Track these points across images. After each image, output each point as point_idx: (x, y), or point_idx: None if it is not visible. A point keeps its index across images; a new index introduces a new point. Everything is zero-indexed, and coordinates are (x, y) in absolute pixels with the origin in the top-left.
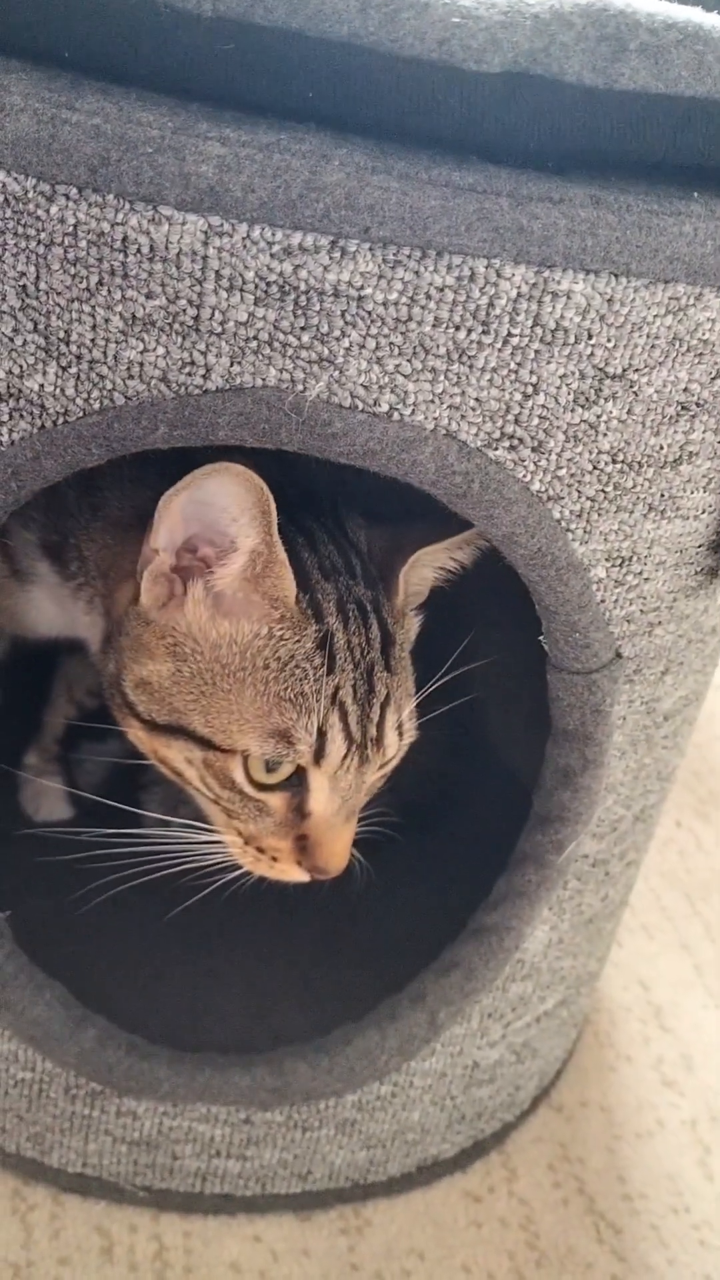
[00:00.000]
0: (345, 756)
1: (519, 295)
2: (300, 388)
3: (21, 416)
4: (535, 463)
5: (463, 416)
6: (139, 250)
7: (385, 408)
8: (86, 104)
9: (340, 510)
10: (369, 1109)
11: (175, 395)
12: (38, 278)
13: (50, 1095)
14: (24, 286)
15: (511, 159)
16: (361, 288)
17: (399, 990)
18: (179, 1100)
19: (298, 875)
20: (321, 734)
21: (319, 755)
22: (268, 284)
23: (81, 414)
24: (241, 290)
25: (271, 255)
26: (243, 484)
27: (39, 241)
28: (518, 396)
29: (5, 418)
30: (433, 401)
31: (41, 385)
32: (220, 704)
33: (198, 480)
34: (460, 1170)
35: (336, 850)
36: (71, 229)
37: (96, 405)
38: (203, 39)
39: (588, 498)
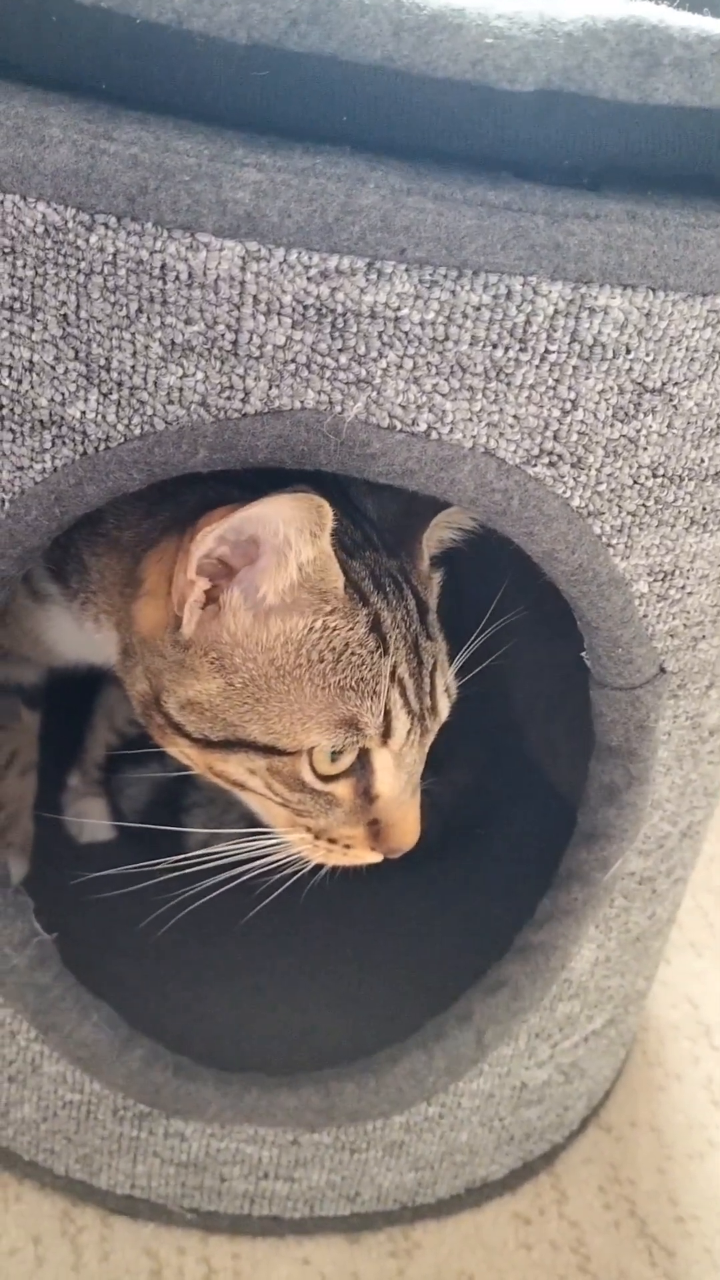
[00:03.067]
0: (409, 731)
1: (556, 312)
2: (338, 409)
3: (64, 443)
4: (575, 479)
5: (501, 434)
6: (178, 277)
7: (423, 427)
8: (124, 134)
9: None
10: (417, 1130)
11: (215, 419)
12: (78, 306)
13: (98, 1117)
14: (65, 315)
15: (547, 176)
16: (398, 309)
17: (445, 1010)
18: (226, 1121)
19: (372, 858)
20: (387, 713)
21: (386, 735)
22: (305, 307)
23: (123, 440)
24: (279, 314)
25: (308, 279)
26: (294, 506)
27: (79, 270)
28: (556, 413)
29: (48, 445)
30: (471, 420)
31: (83, 412)
32: (278, 707)
33: (244, 512)
34: (509, 1192)
35: (409, 827)
36: (111, 257)
37: (137, 431)
38: (238, 67)
39: (628, 513)
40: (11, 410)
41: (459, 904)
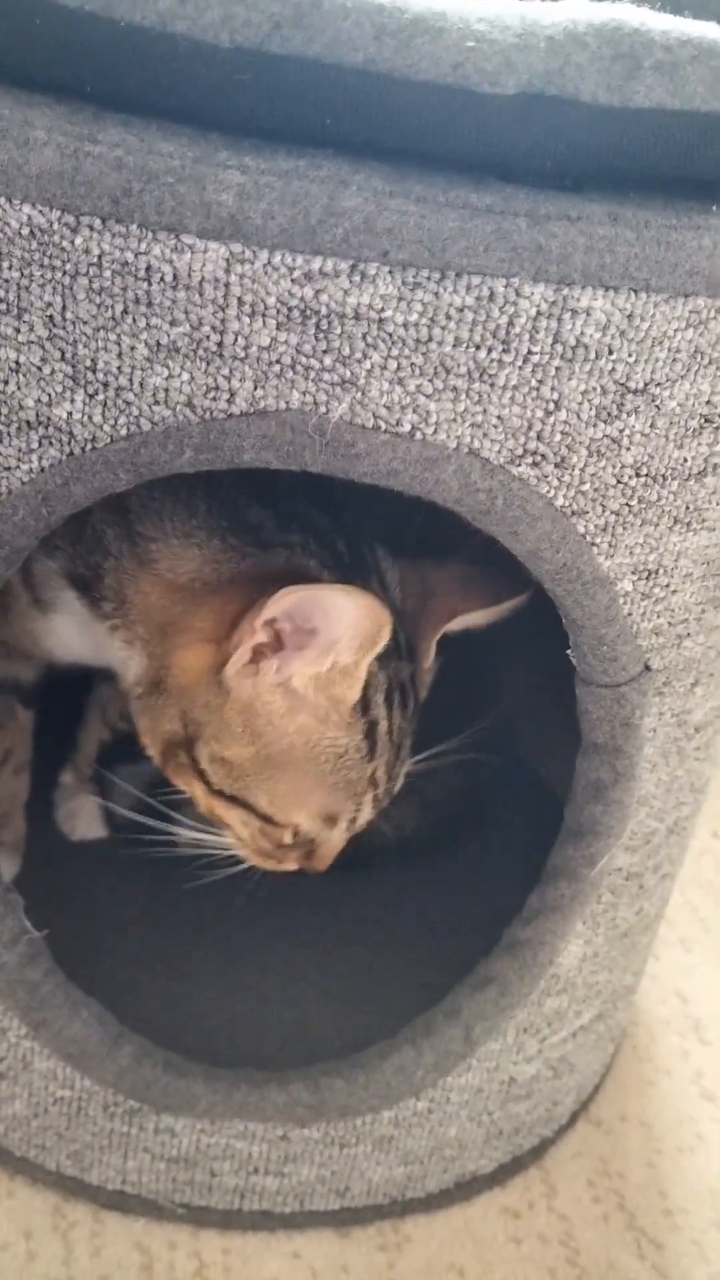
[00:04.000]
0: (371, 813)
1: (539, 313)
2: (323, 410)
3: (50, 444)
4: (559, 478)
5: (485, 434)
6: (163, 279)
7: (408, 428)
8: (108, 136)
9: (383, 566)
10: (406, 1125)
11: (200, 420)
12: (64, 308)
13: (89, 1113)
14: (51, 317)
15: (528, 179)
16: (382, 310)
17: (434, 1005)
18: (216, 1117)
19: (291, 869)
20: (358, 809)
21: (351, 824)
22: (289, 309)
23: (109, 440)
24: (264, 315)
25: (292, 280)
26: (364, 612)
27: (64, 272)
28: (540, 413)
29: (35, 445)
30: (455, 420)
31: (69, 413)
32: (284, 787)
33: (326, 592)
34: (499, 1186)
35: (329, 861)
36: (96, 259)
37: (124, 431)
38: (221, 70)
39: (612, 512)
40: None
41: (448, 900)
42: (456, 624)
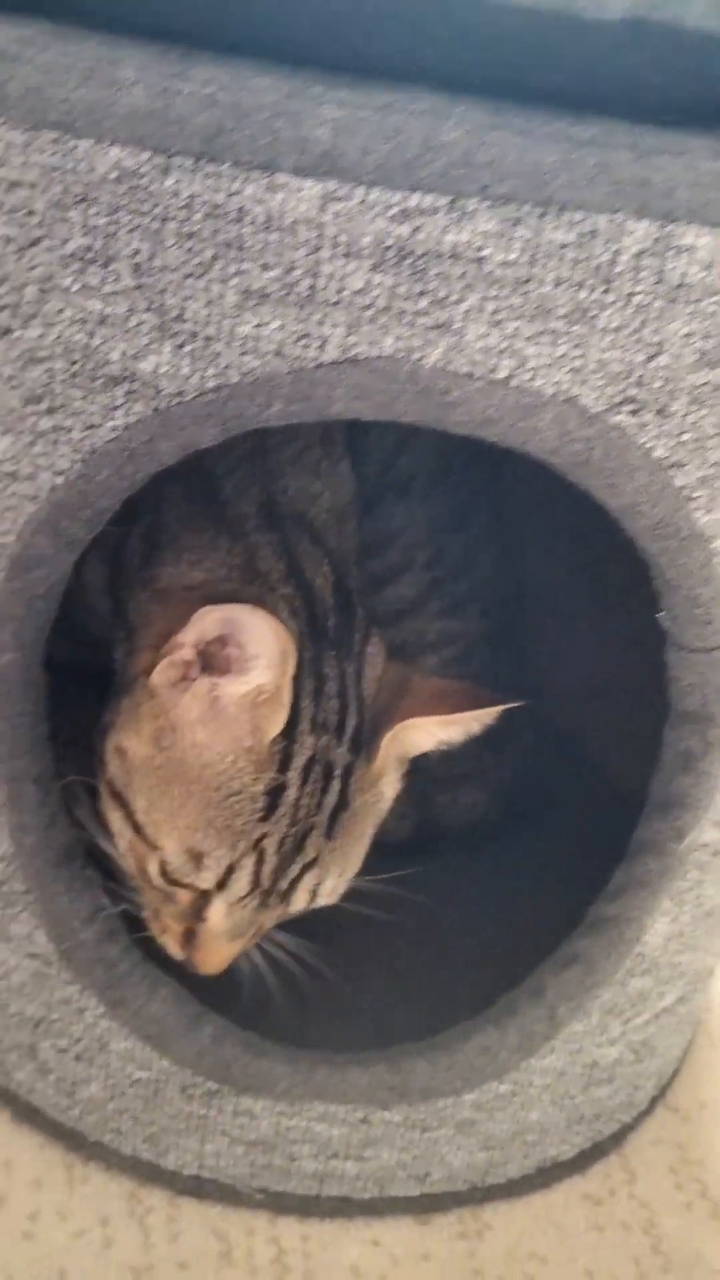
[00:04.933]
0: (245, 897)
1: (642, 251)
2: (417, 356)
3: (136, 399)
4: (658, 428)
5: (584, 380)
6: (254, 220)
7: (504, 373)
8: (200, 74)
9: (368, 652)
10: (488, 1108)
11: (290, 369)
12: (152, 255)
13: (166, 1095)
14: (138, 265)
15: (630, 111)
16: (480, 248)
17: (512, 986)
18: (296, 1099)
19: (176, 955)
20: (230, 870)
21: (221, 886)
22: (385, 249)
23: (197, 393)
24: (358, 257)
25: (389, 218)
26: (272, 632)
27: (153, 217)
28: (640, 358)
29: (120, 401)
30: (552, 365)
31: (156, 365)
32: (163, 803)
33: (237, 611)
34: (579, 1172)
35: (213, 960)
36: (186, 202)
37: (211, 384)
38: (317, 2)
39: (712, 464)
40: (82, 366)
41: (518, 881)
42: (417, 735)
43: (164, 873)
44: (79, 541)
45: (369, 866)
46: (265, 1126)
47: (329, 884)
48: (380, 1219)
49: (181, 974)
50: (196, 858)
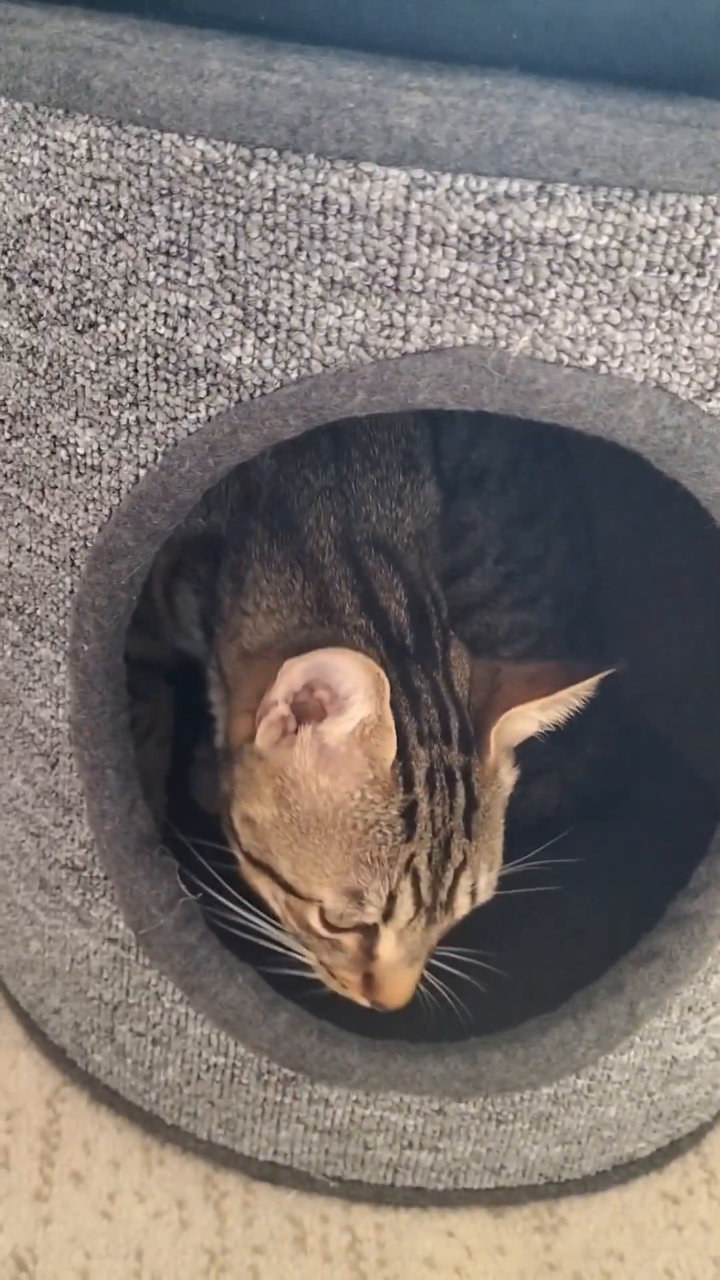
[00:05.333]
0: (413, 919)
1: None
2: (503, 344)
3: (219, 391)
4: None
5: (674, 367)
6: (339, 210)
7: (592, 360)
8: (285, 64)
9: (452, 657)
10: (565, 1103)
11: (374, 360)
12: (236, 247)
13: (243, 1081)
14: (222, 257)
15: None
16: (569, 234)
17: (592, 980)
18: (371, 1088)
19: (362, 1003)
20: (392, 899)
21: (387, 916)
22: (471, 236)
23: (279, 385)
24: (444, 245)
25: (476, 205)
26: (360, 666)
27: (238, 209)
28: None
29: (203, 393)
30: (643, 352)
31: (239, 358)
32: (306, 855)
33: (319, 656)
34: (656, 1170)
35: (399, 991)
36: (271, 194)
37: (294, 375)
38: None
39: None
40: (166, 359)
41: (596, 876)
42: (520, 723)
43: (326, 922)
44: (161, 533)
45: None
46: (340, 1115)
47: (483, 880)
48: (455, 1210)
49: (259, 962)
50: (356, 896)
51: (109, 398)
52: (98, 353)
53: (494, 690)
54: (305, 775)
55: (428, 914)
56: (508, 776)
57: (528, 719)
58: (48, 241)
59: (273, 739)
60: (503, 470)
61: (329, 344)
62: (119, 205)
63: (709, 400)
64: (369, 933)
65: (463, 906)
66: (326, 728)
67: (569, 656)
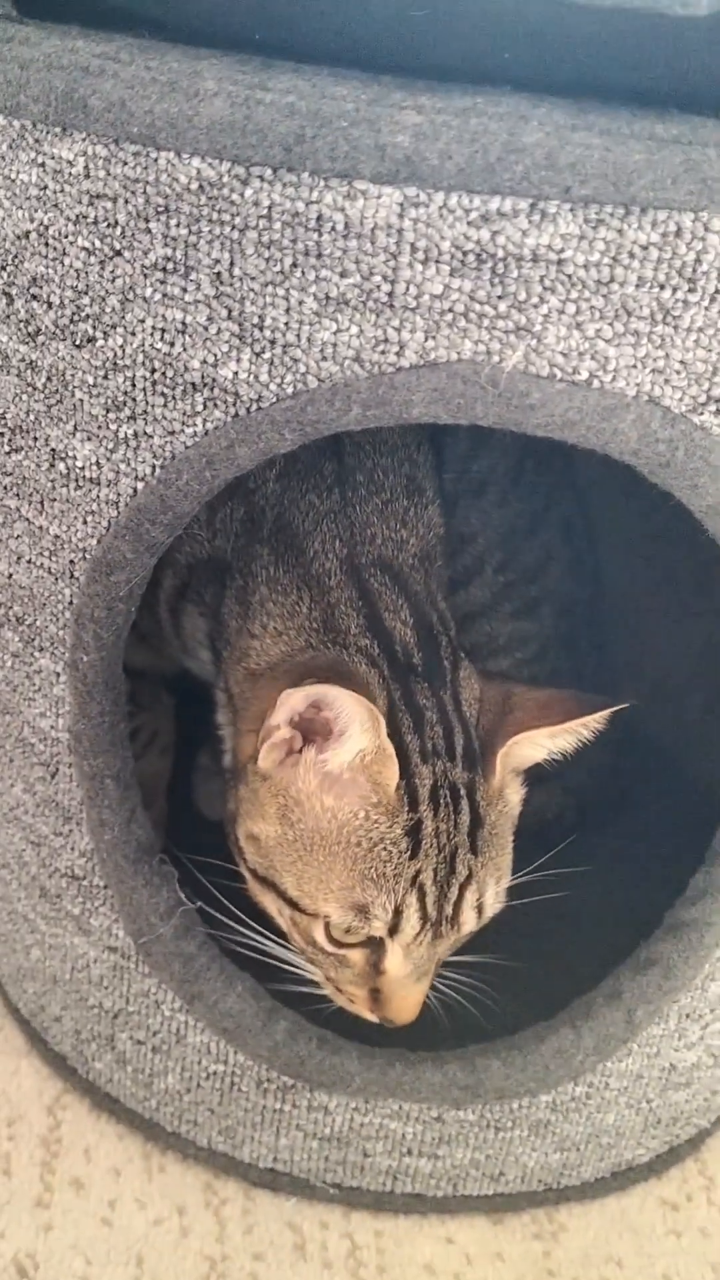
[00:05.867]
0: (419, 934)
1: None
2: (497, 359)
3: (216, 405)
4: None
5: (666, 381)
6: (334, 228)
7: (585, 375)
8: (279, 83)
9: (460, 677)
10: (563, 1110)
11: (369, 375)
12: (232, 264)
13: (242, 1089)
14: (218, 274)
15: (715, 109)
16: (561, 250)
17: (590, 988)
18: (370, 1096)
19: (370, 1018)
20: (398, 913)
21: (393, 930)
22: (464, 253)
23: (275, 399)
24: (437, 262)
25: (468, 223)
26: (352, 702)
27: (233, 226)
28: None
29: (200, 407)
30: (635, 366)
31: (235, 373)
32: (311, 871)
33: (316, 689)
34: (655, 1176)
35: (406, 1007)
36: (266, 211)
37: (290, 390)
38: (395, 7)
39: None
40: (163, 374)
41: (595, 883)
42: (528, 749)
43: (331, 938)
44: (159, 545)
45: None
46: (339, 1122)
47: (489, 895)
48: (454, 1217)
49: (258, 970)
50: (362, 910)
51: (107, 411)
52: (96, 367)
53: (505, 713)
54: (309, 794)
55: (434, 928)
56: (514, 797)
57: (536, 745)
58: (46, 257)
59: (276, 759)
60: (504, 482)
61: (324, 359)
62: (116, 222)
63: (701, 414)
64: (375, 947)
65: (469, 921)
66: (329, 754)
67: (570, 665)
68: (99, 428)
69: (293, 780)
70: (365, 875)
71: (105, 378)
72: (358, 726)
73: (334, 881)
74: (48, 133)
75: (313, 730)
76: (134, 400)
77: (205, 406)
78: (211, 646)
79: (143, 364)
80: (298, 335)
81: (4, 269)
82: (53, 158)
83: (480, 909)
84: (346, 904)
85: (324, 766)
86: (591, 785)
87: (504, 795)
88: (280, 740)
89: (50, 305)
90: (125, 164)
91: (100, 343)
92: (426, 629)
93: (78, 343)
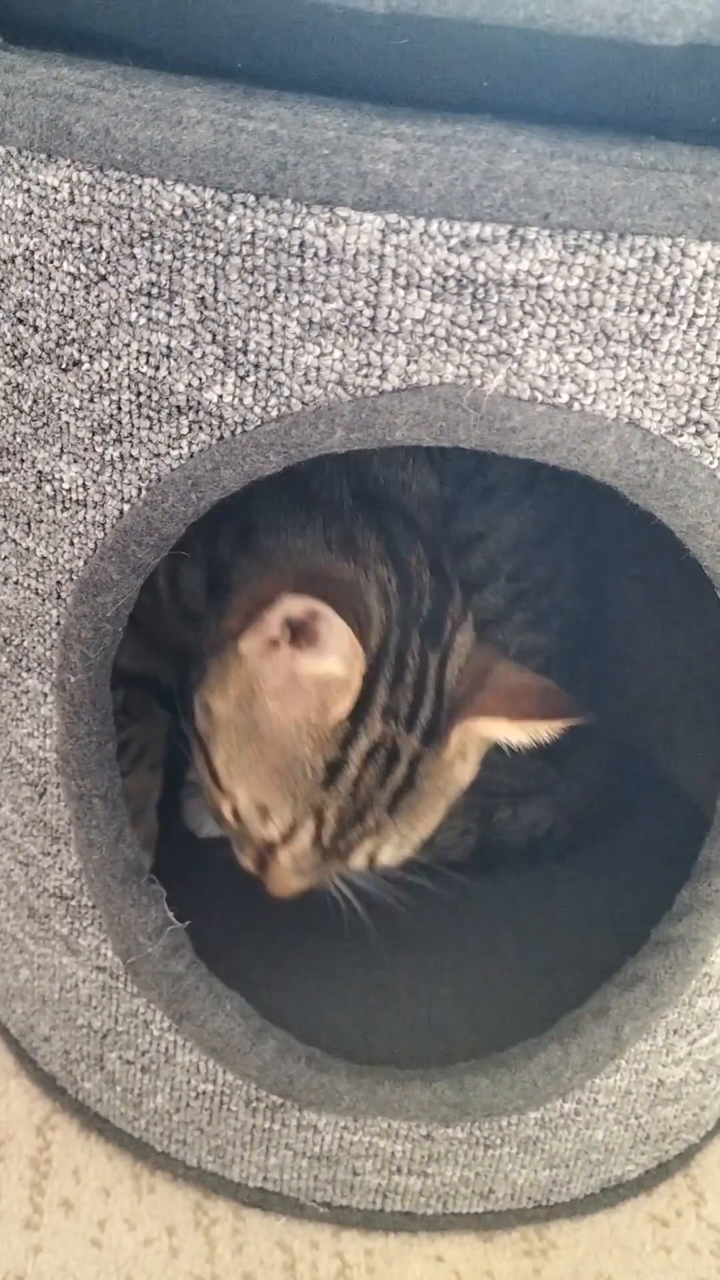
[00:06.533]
0: (307, 853)
1: (705, 274)
2: (478, 383)
3: (201, 428)
4: None
5: (646, 403)
6: (316, 254)
7: (565, 398)
8: (262, 111)
9: (457, 640)
10: (552, 1126)
11: (352, 398)
12: (216, 289)
13: (231, 1108)
14: (202, 299)
15: (690, 136)
16: (541, 276)
17: (577, 1004)
18: (359, 1114)
19: (251, 870)
20: (293, 828)
21: (285, 839)
22: (445, 279)
23: (260, 422)
24: (418, 287)
25: (449, 249)
26: (347, 638)
27: (217, 253)
28: (704, 380)
29: (185, 430)
30: (615, 389)
31: (220, 396)
32: (239, 759)
33: (314, 605)
34: (645, 1192)
35: (280, 888)
36: (249, 237)
37: (274, 413)
38: (375, 37)
39: None
40: (149, 397)
41: (583, 898)
42: (488, 731)
43: (236, 817)
44: (145, 566)
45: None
46: (329, 1141)
47: (388, 852)
48: (444, 1235)
49: (243, 988)
50: (263, 811)
51: (93, 434)
52: (82, 390)
53: (479, 687)
54: (269, 690)
55: (324, 854)
56: (464, 773)
57: (494, 730)
58: (31, 282)
59: (256, 648)
60: (516, 486)
61: (308, 383)
62: (101, 247)
63: (680, 435)
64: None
65: (358, 863)
66: (303, 659)
67: (571, 681)
68: (85, 450)
69: (261, 671)
70: (277, 784)
71: (91, 401)
72: (340, 659)
73: (252, 776)
74: (33, 159)
75: (299, 632)
76: (120, 423)
77: (190, 429)
78: (210, 593)
79: (128, 387)
80: (281, 359)
81: None
82: (38, 184)
83: (373, 860)
84: (253, 799)
85: (295, 667)
86: (586, 804)
87: (452, 770)
88: (269, 636)
89: (36, 329)
90: (110, 190)
91: (86, 366)
92: (442, 577)
93: (64, 366)
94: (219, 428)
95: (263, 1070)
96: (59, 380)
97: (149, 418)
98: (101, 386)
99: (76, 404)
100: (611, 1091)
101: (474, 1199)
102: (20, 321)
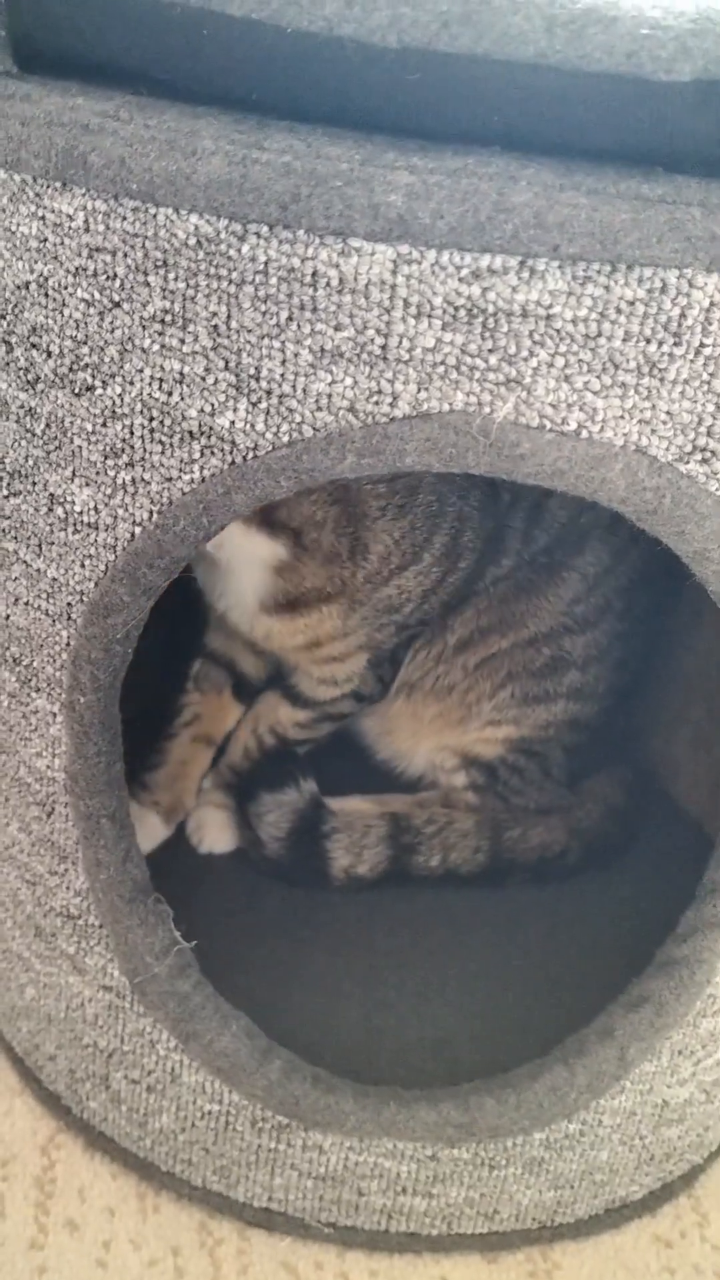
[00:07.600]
0: None
1: (711, 304)
2: (488, 410)
3: (213, 454)
4: None
5: (653, 431)
6: (328, 283)
7: (574, 426)
8: (275, 143)
9: None
10: (557, 1147)
11: (363, 424)
12: (229, 316)
13: (237, 1128)
14: (215, 326)
15: (698, 169)
16: (550, 306)
17: (583, 1025)
18: (365, 1135)
19: None
20: None
21: None
22: (455, 308)
23: (271, 448)
24: (429, 316)
25: (460, 279)
26: None
27: (230, 281)
28: (710, 408)
29: (197, 455)
30: (622, 417)
31: (232, 422)
32: None
33: None
34: (649, 1213)
35: None
36: (263, 266)
37: (286, 439)
38: (389, 71)
39: None
40: (161, 422)
41: (589, 919)
42: None
43: None
44: (155, 589)
45: None
46: (334, 1161)
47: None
48: (448, 1255)
49: (249, 1008)
50: None
51: (105, 458)
52: (95, 415)
53: None
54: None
55: None
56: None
57: None
58: (45, 308)
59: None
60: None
61: (319, 409)
62: (115, 275)
63: (687, 462)
64: None
65: None
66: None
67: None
68: (97, 474)
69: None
70: None
71: (104, 425)
72: None
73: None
74: (48, 187)
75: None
76: (132, 447)
77: (202, 454)
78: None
79: (141, 412)
80: (293, 386)
81: (4, 318)
82: (53, 211)
83: None
84: None
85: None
86: (599, 827)
87: None
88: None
89: (50, 354)
90: (124, 219)
91: (99, 391)
92: None
93: (77, 391)
94: (231, 453)
95: (269, 1090)
96: (72, 405)
97: (161, 442)
98: (114, 411)
99: (89, 428)
100: (616, 1112)
101: (479, 1220)
102: (34, 346)
